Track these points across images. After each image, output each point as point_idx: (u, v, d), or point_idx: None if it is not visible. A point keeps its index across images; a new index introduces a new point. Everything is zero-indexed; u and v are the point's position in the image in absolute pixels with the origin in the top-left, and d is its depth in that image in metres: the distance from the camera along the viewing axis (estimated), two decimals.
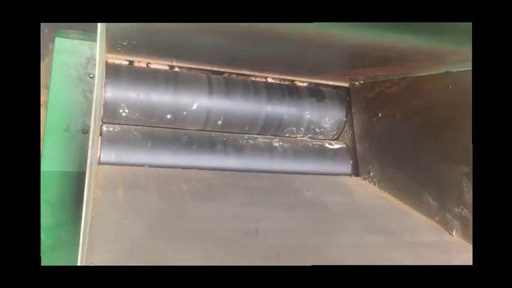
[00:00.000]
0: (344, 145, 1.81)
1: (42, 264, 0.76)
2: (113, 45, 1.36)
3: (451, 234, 1.29)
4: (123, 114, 1.49)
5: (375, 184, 1.62)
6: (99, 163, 1.39)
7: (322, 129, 1.78)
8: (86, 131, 1.41)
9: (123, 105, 1.48)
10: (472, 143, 0.85)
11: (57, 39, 1.40)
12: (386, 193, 1.56)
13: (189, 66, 1.61)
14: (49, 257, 1.48)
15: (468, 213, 1.24)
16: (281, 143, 1.71)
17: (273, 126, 1.70)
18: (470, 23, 0.81)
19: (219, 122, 1.61)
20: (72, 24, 1.49)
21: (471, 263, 0.80)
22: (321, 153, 1.75)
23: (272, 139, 1.71)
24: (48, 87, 1.40)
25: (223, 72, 1.66)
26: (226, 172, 1.53)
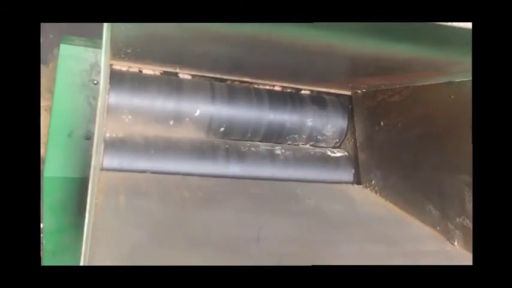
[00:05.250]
0: (346, 153, 1.81)
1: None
2: (117, 52, 1.37)
3: (453, 244, 1.29)
4: (126, 120, 1.50)
5: (376, 193, 1.62)
6: (102, 169, 1.40)
7: (324, 137, 1.79)
8: (89, 137, 1.42)
9: (126, 111, 1.49)
10: (473, 152, 0.85)
11: (62, 46, 1.41)
12: (387, 202, 1.56)
13: (193, 73, 1.62)
14: (50, 262, 1.49)
15: (470, 223, 1.23)
16: (283, 151, 1.71)
17: (275, 134, 1.71)
18: (471, 34, 0.81)
19: (221, 129, 1.62)
20: (77, 31, 1.51)
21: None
22: (323, 161, 1.75)
23: (274, 146, 1.72)
24: (52, 93, 1.41)
25: (226, 80, 1.67)
26: (228, 179, 1.53)
